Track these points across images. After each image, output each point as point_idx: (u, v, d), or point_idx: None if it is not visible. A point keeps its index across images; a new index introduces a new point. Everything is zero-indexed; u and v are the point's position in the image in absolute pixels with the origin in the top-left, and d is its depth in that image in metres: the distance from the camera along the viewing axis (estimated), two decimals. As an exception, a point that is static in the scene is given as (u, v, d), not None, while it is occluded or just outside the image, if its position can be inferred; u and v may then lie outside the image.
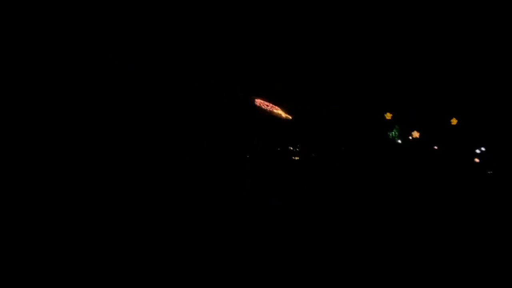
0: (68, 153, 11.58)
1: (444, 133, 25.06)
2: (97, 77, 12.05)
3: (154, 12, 12.10)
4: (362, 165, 19.27)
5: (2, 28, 10.64)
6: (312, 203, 12.46)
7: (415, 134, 25.39)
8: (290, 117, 17.94)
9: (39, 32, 11.02)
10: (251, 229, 9.25)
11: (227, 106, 14.59)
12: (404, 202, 13.27)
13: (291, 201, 12.18)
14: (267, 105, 16.58)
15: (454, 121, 23.60)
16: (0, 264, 7.88)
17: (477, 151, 23.86)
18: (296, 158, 18.11)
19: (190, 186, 12.76)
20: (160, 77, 13.00)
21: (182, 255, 7.61)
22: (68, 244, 9.27)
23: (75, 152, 11.68)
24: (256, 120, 15.47)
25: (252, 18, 13.32)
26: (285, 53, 15.55)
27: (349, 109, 22.31)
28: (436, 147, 25.75)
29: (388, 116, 24.16)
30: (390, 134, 27.44)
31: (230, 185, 13.42)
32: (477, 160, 24.15)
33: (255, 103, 16.20)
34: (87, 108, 11.89)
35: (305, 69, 17.75)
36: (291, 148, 17.27)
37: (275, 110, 16.73)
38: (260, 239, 8.38)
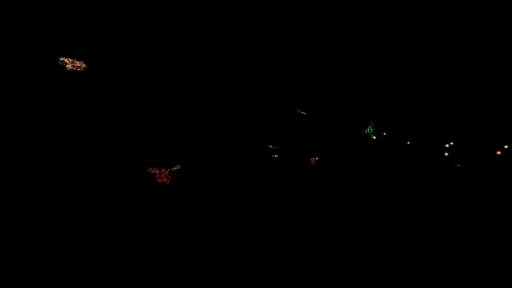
0: (67, 153, 11.56)
1: (415, 129, 26.39)
2: (97, 77, 12.07)
3: (154, 12, 12.20)
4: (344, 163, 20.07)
5: (2, 28, 10.52)
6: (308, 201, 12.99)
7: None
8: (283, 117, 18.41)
9: (39, 32, 10.97)
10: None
11: (222, 107, 14.87)
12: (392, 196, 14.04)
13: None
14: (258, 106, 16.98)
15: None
16: (0, 264, 7.88)
17: (447, 145, 25.36)
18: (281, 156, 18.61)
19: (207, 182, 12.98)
20: (158, 78, 13.13)
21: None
22: (68, 243, 9.32)
23: (74, 152, 11.68)
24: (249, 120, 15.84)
25: (249, 18, 13.67)
26: (276, 54, 15.99)
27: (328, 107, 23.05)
28: (408, 142, 27.08)
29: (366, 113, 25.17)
30: (365, 131, 28.43)
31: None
32: (446, 154, 25.68)
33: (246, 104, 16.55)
34: (86, 109, 11.91)
35: (289, 71, 18.23)
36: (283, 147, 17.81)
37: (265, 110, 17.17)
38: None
